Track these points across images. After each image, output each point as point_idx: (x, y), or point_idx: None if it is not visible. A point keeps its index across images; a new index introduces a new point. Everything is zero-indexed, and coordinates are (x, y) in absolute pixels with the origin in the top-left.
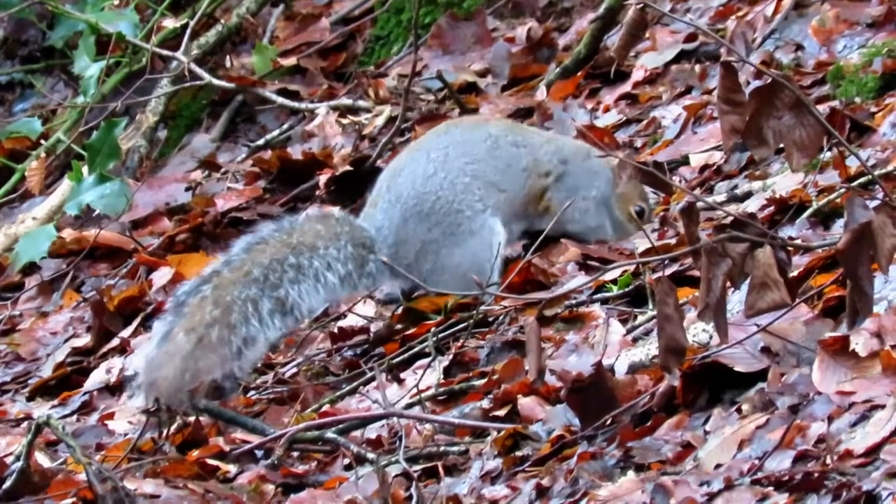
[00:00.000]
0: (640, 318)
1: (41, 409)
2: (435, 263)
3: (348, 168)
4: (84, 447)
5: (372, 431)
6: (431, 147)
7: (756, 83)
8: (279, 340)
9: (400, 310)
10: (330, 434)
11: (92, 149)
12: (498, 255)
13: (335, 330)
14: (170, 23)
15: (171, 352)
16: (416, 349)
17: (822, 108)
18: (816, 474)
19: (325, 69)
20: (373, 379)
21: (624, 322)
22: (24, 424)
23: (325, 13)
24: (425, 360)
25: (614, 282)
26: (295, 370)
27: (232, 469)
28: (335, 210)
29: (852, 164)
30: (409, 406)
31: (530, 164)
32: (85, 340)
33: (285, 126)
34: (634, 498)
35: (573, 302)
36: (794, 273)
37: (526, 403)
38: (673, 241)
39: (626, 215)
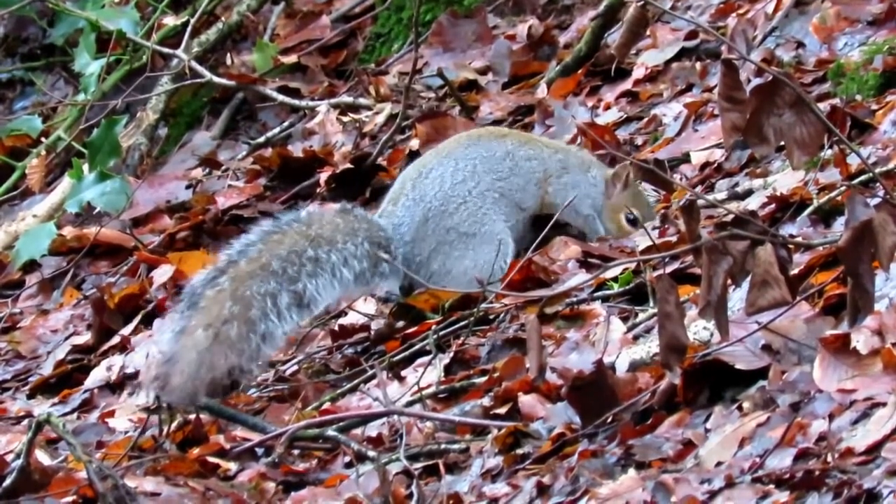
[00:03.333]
0: (641, 316)
1: (41, 407)
2: (444, 264)
3: (349, 166)
4: (84, 445)
5: (373, 429)
6: (460, 157)
7: (757, 81)
8: (293, 333)
9: (396, 307)
10: (330, 432)
11: (92, 146)
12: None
13: (336, 328)
14: (170, 20)
15: (188, 345)
16: (416, 347)
17: (823, 106)
18: (817, 472)
19: (326, 67)
20: (373, 377)
21: (625, 320)
22: (25, 422)
23: (325, 11)
24: (426, 358)
25: (615, 279)
26: (295, 368)
27: (232, 467)
28: (355, 206)
29: (853, 161)
30: (410, 404)
31: (541, 176)
32: (85, 338)
33: (286, 124)
34: (635, 496)
35: (574, 299)
36: (795, 271)
37: (527, 401)
38: (674, 238)
39: (615, 225)
